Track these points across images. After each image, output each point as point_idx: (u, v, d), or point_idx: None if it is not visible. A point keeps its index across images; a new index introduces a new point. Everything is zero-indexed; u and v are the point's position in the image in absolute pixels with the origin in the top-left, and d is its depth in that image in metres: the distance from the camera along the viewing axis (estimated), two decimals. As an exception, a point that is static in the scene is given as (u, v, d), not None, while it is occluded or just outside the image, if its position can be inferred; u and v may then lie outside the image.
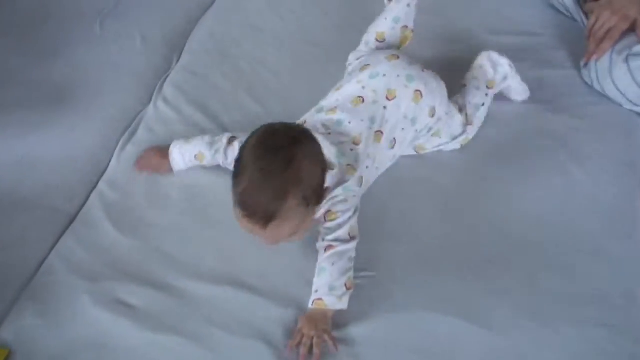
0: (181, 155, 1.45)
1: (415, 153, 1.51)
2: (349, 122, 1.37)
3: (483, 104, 1.55)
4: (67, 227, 1.41)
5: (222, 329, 1.23)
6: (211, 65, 1.74)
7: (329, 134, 1.35)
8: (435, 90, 1.44)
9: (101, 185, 1.49)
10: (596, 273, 1.30)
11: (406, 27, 1.60)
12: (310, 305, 1.23)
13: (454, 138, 1.50)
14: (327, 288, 1.22)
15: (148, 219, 1.41)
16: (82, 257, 1.35)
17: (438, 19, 1.85)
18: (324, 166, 1.23)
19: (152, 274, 1.32)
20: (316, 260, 1.26)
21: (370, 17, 1.65)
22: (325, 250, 1.25)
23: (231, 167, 1.22)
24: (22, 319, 1.24)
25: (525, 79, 1.66)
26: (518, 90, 1.62)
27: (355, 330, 1.22)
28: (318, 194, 1.21)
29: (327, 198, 1.26)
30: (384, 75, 1.42)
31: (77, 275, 1.32)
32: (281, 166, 1.14)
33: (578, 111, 1.62)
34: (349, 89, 1.44)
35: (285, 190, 1.14)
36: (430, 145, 1.50)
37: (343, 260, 1.24)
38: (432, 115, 1.43)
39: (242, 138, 1.35)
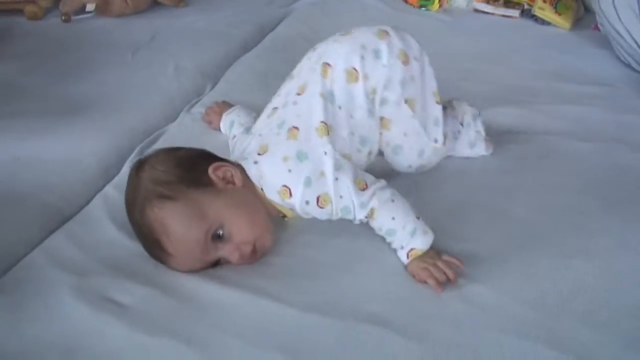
0: (223, 123, 1.39)
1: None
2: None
3: (456, 139, 1.30)
4: (60, 226, 1.17)
5: (236, 337, 0.94)
6: (249, 93, 1.56)
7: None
8: (411, 43, 1.23)
9: (108, 188, 1.26)
10: None
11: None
12: (407, 260, 1.05)
13: (427, 133, 1.21)
14: (409, 237, 1.05)
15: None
16: (72, 254, 1.09)
17: (504, 68, 1.70)
18: (180, 159, 1.08)
19: (154, 274, 1.05)
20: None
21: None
22: (371, 217, 1.07)
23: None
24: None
25: (605, 121, 1.47)
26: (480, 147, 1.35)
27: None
28: (184, 180, 1.04)
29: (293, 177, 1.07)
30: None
31: (60, 269, 1.05)
32: (129, 199, 1.07)
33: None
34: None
35: (141, 207, 1.03)
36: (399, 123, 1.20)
37: (391, 205, 1.07)
38: (405, 63, 1.18)
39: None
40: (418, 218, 1.07)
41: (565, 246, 1.10)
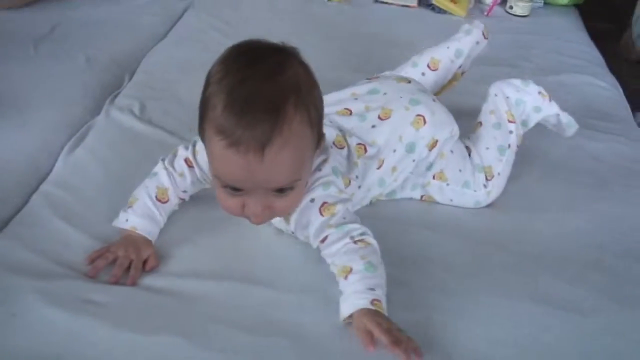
0: (148, 219, 1.04)
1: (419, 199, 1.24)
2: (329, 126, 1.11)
3: (509, 146, 1.25)
4: (-1, 229, 1.07)
5: (231, 326, 0.91)
6: (172, 81, 1.51)
7: None
8: (443, 124, 1.20)
9: (45, 186, 1.17)
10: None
11: (461, 69, 1.41)
12: (368, 305, 0.88)
13: (467, 187, 1.21)
14: (382, 290, 0.91)
15: (112, 216, 1.07)
16: (25, 257, 1.00)
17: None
18: (320, 93, 0.96)
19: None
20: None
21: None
22: (356, 242, 0.95)
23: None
24: None
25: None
26: (560, 124, 1.32)
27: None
28: (320, 122, 0.95)
29: (316, 177, 1.00)
30: (385, 93, 1.21)
31: (17, 274, 0.96)
32: (271, 71, 0.88)
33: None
34: (339, 95, 1.22)
35: (284, 93, 0.87)
36: (440, 196, 1.22)
37: (382, 263, 0.96)
38: (431, 149, 1.18)
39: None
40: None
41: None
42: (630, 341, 0.96)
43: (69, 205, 1.11)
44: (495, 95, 1.31)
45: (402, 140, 1.15)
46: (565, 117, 1.32)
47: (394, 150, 1.15)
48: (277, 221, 1.06)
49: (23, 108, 1.35)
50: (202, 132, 0.93)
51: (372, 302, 0.88)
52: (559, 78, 1.74)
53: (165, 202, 1.06)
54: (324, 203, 0.99)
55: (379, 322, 0.86)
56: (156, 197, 1.06)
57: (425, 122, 1.17)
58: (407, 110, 1.17)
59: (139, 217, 1.04)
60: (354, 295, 0.90)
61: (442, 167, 1.20)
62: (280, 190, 0.93)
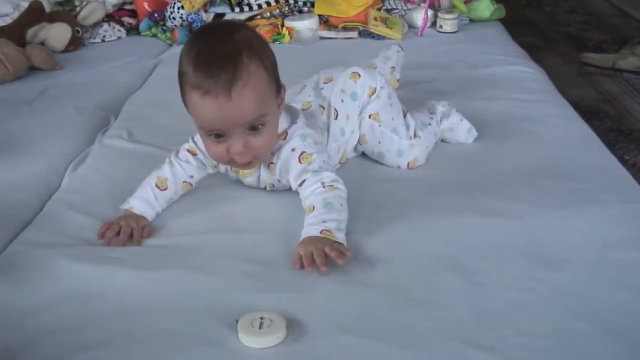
0: (144, 201, 1.25)
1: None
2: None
3: (430, 124, 1.50)
4: (22, 229, 1.26)
5: (228, 259, 1.12)
6: (154, 114, 1.73)
7: None
8: (375, 76, 1.44)
9: (57, 195, 1.38)
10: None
11: (393, 68, 1.78)
12: (316, 233, 1.09)
13: (395, 133, 1.41)
14: (335, 224, 1.11)
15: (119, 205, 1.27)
16: (50, 239, 1.20)
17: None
18: (271, 50, 1.20)
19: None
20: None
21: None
22: (325, 187, 1.16)
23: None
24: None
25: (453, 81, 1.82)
26: (462, 130, 1.54)
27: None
28: (275, 72, 1.18)
29: (295, 129, 1.23)
30: (328, 72, 1.48)
31: (46, 248, 1.16)
32: (224, 35, 1.14)
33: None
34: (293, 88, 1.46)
35: (237, 47, 1.11)
36: (371, 136, 1.43)
37: (346, 207, 1.16)
38: (371, 96, 1.41)
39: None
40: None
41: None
42: (559, 228, 1.18)
43: (79, 203, 1.31)
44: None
45: (346, 92, 1.40)
46: (467, 123, 1.54)
47: (342, 100, 1.40)
48: (265, 174, 1.27)
49: (27, 147, 1.57)
50: (183, 98, 1.16)
51: (321, 231, 1.09)
52: (488, 70, 2.00)
53: (164, 189, 1.28)
54: (303, 152, 1.21)
55: (309, 246, 1.06)
56: (156, 184, 1.27)
57: (359, 75, 1.42)
58: (344, 71, 1.44)
59: (137, 200, 1.26)
60: (308, 226, 1.11)
61: (377, 109, 1.41)
62: (253, 128, 1.14)
